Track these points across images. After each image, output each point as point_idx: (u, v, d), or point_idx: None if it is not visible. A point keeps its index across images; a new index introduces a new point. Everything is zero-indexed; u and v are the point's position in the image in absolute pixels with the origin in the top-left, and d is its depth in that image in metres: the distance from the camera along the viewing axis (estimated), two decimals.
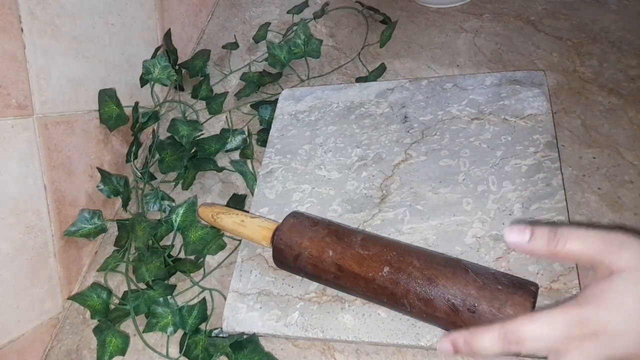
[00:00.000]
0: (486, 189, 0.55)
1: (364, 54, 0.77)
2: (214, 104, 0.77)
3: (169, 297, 0.57)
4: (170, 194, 0.69)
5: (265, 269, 0.56)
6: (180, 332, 0.57)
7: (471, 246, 0.51)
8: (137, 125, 0.73)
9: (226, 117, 0.76)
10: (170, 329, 0.56)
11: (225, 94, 0.78)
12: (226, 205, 0.64)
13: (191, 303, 0.58)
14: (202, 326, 0.56)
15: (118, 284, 0.63)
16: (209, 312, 0.57)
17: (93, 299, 0.60)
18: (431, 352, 0.49)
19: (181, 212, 0.63)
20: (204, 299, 0.58)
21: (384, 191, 0.58)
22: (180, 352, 0.55)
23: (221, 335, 0.54)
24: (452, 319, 0.43)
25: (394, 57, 0.75)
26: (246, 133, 0.71)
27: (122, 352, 0.57)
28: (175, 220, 0.62)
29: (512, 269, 0.49)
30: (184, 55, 0.84)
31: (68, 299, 0.63)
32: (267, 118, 0.72)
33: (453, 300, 0.42)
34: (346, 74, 0.76)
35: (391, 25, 0.77)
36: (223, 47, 0.85)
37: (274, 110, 0.72)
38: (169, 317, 0.56)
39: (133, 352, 0.57)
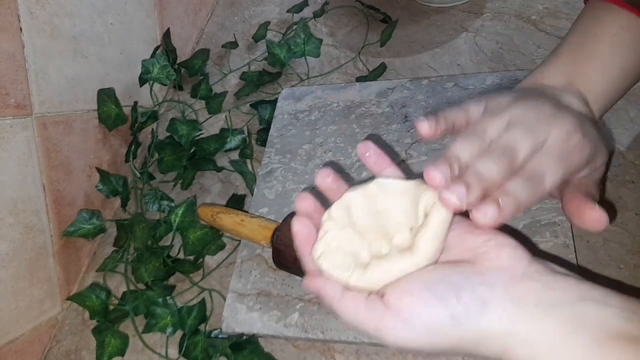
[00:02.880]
0: None
1: (364, 53, 0.77)
2: (213, 103, 0.77)
3: (168, 297, 0.57)
4: (169, 194, 0.69)
5: (265, 270, 0.56)
6: (179, 333, 0.56)
7: None
8: (136, 125, 0.73)
9: (225, 116, 0.75)
10: (169, 329, 0.56)
11: (224, 93, 0.78)
12: (225, 206, 0.64)
13: (190, 304, 0.57)
14: (202, 327, 0.56)
15: (117, 284, 0.63)
16: (208, 313, 0.57)
17: (92, 300, 0.60)
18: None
19: (180, 212, 0.62)
20: (203, 299, 0.58)
21: None
22: (179, 352, 0.54)
23: (220, 336, 0.54)
24: None
25: (394, 56, 0.75)
26: (246, 133, 0.71)
27: (122, 353, 0.57)
28: (175, 221, 0.62)
29: None
30: (183, 55, 0.84)
31: (67, 299, 0.63)
32: (266, 118, 0.72)
33: None
34: (346, 73, 0.76)
35: (392, 24, 0.77)
36: (222, 46, 0.84)
37: (273, 110, 0.71)
38: (168, 318, 0.56)
39: (132, 353, 0.57)
